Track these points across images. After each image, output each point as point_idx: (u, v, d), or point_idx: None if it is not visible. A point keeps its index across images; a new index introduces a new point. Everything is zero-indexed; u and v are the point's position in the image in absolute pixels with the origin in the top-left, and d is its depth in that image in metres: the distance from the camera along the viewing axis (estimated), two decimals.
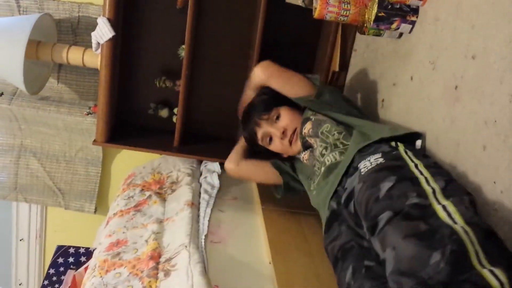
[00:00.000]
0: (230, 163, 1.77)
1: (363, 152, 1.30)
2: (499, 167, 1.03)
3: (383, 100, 1.67)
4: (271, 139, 1.68)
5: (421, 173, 1.10)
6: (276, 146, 1.68)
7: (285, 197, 1.75)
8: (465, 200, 1.00)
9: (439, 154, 1.28)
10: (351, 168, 1.30)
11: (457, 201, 0.99)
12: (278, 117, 1.67)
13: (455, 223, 0.94)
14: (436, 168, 1.15)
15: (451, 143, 1.22)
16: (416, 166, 1.14)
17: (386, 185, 1.07)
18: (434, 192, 1.03)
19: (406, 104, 1.50)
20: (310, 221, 1.73)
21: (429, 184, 1.05)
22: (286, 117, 1.65)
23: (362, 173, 1.20)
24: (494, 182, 1.04)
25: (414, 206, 0.99)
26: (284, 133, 1.65)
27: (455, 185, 1.07)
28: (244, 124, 1.75)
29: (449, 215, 0.96)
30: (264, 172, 1.75)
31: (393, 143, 1.30)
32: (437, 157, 1.28)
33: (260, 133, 1.69)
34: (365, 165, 1.21)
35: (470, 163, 1.14)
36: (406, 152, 1.22)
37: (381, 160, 1.19)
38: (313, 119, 1.58)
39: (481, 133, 1.10)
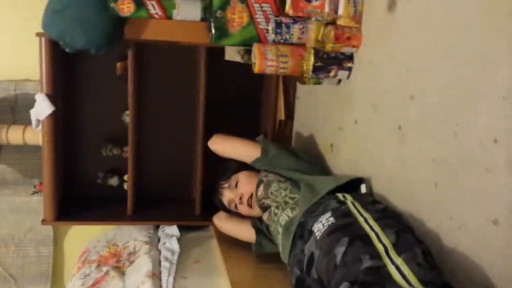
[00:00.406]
0: (215, 219, 1.93)
1: (314, 213, 1.33)
2: (453, 203, 1.05)
3: (331, 145, 1.69)
4: (235, 204, 1.81)
5: (371, 228, 1.12)
6: (241, 210, 1.82)
7: (261, 253, 1.77)
8: (417, 255, 1.01)
9: (393, 194, 1.30)
10: (306, 232, 1.32)
11: (410, 258, 0.99)
12: (237, 184, 1.80)
13: (411, 285, 0.94)
14: (386, 218, 1.17)
15: (404, 182, 1.24)
16: (365, 220, 1.16)
17: (340, 250, 1.08)
18: (386, 250, 1.03)
19: (355, 148, 1.52)
20: (278, 274, 1.68)
21: (381, 241, 1.06)
22: (242, 183, 1.79)
23: (317, 238, 1.21)
24: (451, 218, 1.06)
25: (368, 271, 0.99)
26: (241, 199, 1.78)
27: (406, 237, 1.08)
28: (213, 194, 1.90)
29: (403, 276, 0.96)
30: (243, 231, 1.82)
31: (340, 196, 1.33)
32: (391, 198, 1.30)
33: (225, 200, 1.84)
34: (319, 227, 1.23)
35: (425, 201, 1.16)
36: (354, 205, 1.25)
37: (332, 220, 1.21)
38: (264, 180, 1.67)
39: (431, 171, 1.13)
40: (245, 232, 1.80)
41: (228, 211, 1.89)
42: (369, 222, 1.14)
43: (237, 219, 1.87)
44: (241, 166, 1.82)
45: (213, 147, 1.86)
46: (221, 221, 1.91)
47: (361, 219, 1.17)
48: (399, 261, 0.99)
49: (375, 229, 1.11)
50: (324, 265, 1.11)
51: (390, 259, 1.01)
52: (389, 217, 1.19)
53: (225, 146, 1.85)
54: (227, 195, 1.83)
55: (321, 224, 1.23)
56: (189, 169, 2.21)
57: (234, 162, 1.84)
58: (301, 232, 1.35)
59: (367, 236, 1.09)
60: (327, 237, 1.17)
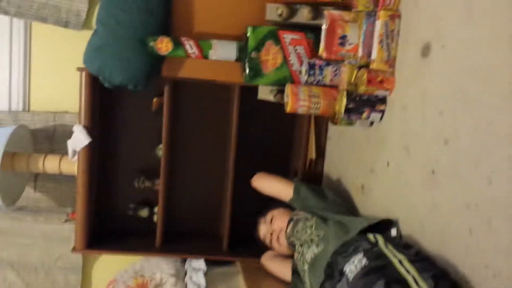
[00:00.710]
0: (262, 258, 1.96)
1: (344, 253, 1.32)
2: (488, 250, 1.04)
3: (362, 186, 1.70)
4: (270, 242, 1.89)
5: (408, 272, 1.11)
6: (273, 245, 1.87)
7: None
8: None
9: (424, 240, 1.28)
10: (336, 272, 1.31)
11: None
12: (272, 220, 1.86)
13: None
14: (421, 261, 1.16)
15: (436, 228, 1.23)
16: (400, 262, 1.15)
17: None
18: None
19: (386, 190, 1.52)
20: None
21: (419, 285, 1.06)
22: (276, 220, 1.85)
23: (350, 279, 1.21)
24: (486, 267, 1.05)
25: None
26: (272, 234, 1.84)
27: (443, 284, 1.07)
28: (254, 229, 1.97)
29: None
30: (283, 271, 1.83)
31: (371, 236, 1.33)
32: (422, 244, 1.29)
33: (261, 235, 1.91)
34: (350, 269, 1.23)
35: (458, 248, 1.14)
36: (386, 246, 1.25)
37: (364, 261, 1.21)
38: (294, 219, 1.73)
39: (464, 217, 1.12)
40: (284, 273, 1.82)
41: (265, 246, 1.93)
42: (404, 264, 1.14)
43: (282, 259, 1.90)
44: (280, 204, 1.89)
45: (254, 183, 1.97)
46: (265, 258, 1.95)
47: (395, 261, 1.16)
48: None
49: (412, 272, 1.10)
50: None
51: None
52: (424, 260, 1.18)
53: (264, 183, 1.95)
54: (262, 230, 1.90)
55: (354, 266, 1.22)
56: (219, 204, 2.23)
57: (275, 201, 1.91)
58: (331, 272, 1.34)
59: (404, 281, 1.08)
60: (361, 280, 1.16)
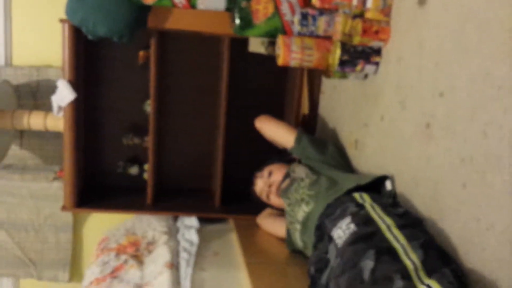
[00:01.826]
0: (257, 218, 1.96)
1: (331, 215, 1.31)
2: (481, 204, 1.01)
3: (356, 141, 1.66)
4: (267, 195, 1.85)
5: (397, 240, 1.10)
6: (272, 200, 1.85)
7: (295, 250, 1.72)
8: (447, 275, 0.99)
9: (417, 194, 1.26)
10: (326, 236, 1.29)
11: (439, 278, 0.98)
12: (270, 174, 1.83)
13: None
14: (409, 226, 1.14)
15: (429, 182, 1.21)
16: (389, 228, 1.13)
17: (367, 265, 1.05)
18: (415, 269, 1.02)
19: (380, 144, 1.49)
20: (297, 271, 1.66)
21: (409, 257, 1.04)
22: (273, 173, 1.83)
23: (338, 246, 1.19)
24: (478, 220, 1.02)
25: None
26: (270, 187, 1.82)
27: (433, 254, 1.05)
28: (250, 186, 1.94)
29: None
30: (278, 228, 1.83)
31: (357, 196, 1.32)
32: (415, 198, 1.26)
33: (257, 190, 1.89)
34: (339, 234, 1.21)
35: (451, 202, 1.12)
36: (374, 208, 1.23)
37: (352, 227, 1.19)
38: (291, 175, 1.71)
39: (459, 171, 1.09)
40: (279, 230, 1.81)
41: (261, 203, 1.91)
42: (392, 231, 1.12)
43: (276, 217, 1.89)
44: (276, 159, 1.88)
45: (258, 124, 1.91)
46: (261, 217, 1.94)
47: (383, 227, 1.14)
48: (429, 281, 0.98)
49: (401, 240, 1.09)
50: (346, 278, 1.09)
51: (420, 280, 0.99)
52: (412, 224, 1.16)
53: (269, 126, 1.89)
54: (259, 185, 1.87)
55: (342, 231, 1.21)
56: (210, 160, 2.20)
57: (270, 156, 1.91)
58: (321, 234, 1.33)
59: (394, 250, 1.07)
60: (350, 247, 1.14)
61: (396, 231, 1.12)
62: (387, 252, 1.07)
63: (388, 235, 1.12)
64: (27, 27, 2.16)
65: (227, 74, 1.97)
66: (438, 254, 1.07)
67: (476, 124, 1.03)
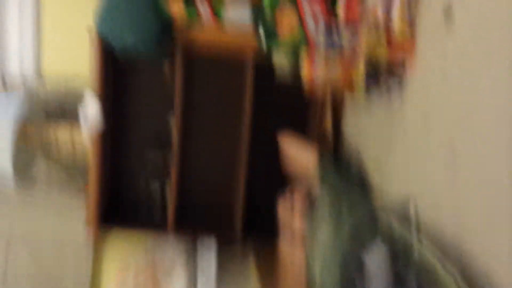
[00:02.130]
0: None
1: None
2: None
3: (379, 160, 1.58)
4: None
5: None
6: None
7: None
8: None
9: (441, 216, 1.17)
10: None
11: None
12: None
13: None
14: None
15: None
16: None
17: None
18: None
19: (404, 165, 1.41)
20: None
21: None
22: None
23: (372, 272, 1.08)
24: None
25: None
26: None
27: None
28: None
29: None
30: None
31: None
32: (438, 221, 1.17)
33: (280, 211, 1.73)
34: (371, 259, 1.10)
35: (477, 228, 1.02)
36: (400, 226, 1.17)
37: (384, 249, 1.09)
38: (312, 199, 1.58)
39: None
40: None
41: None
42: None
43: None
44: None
45: (281, 140, 1.91)
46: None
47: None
48: None
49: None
50: None
51: None
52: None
53: (291, 145, 1.87)
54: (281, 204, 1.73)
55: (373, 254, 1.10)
56: (232, 182, 2.14)
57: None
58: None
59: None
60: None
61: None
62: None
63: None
64: (56, 37, 2.19)
65: (251, 95, 1.96)
66: None
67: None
